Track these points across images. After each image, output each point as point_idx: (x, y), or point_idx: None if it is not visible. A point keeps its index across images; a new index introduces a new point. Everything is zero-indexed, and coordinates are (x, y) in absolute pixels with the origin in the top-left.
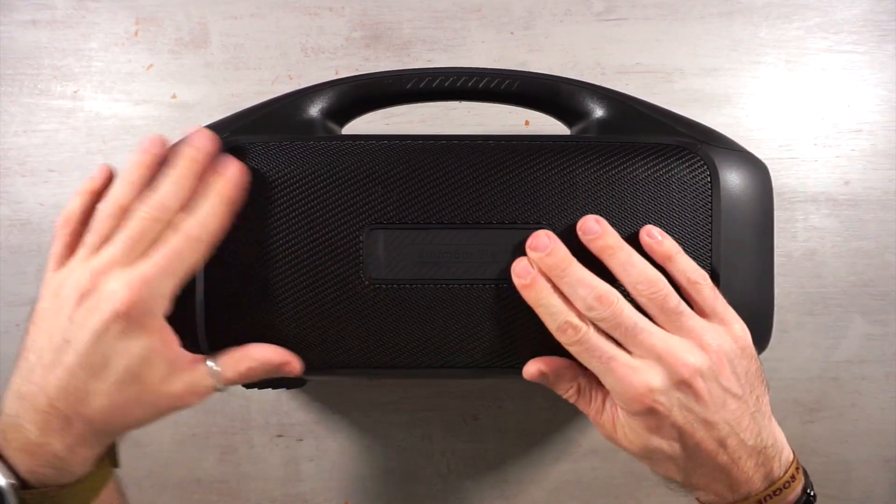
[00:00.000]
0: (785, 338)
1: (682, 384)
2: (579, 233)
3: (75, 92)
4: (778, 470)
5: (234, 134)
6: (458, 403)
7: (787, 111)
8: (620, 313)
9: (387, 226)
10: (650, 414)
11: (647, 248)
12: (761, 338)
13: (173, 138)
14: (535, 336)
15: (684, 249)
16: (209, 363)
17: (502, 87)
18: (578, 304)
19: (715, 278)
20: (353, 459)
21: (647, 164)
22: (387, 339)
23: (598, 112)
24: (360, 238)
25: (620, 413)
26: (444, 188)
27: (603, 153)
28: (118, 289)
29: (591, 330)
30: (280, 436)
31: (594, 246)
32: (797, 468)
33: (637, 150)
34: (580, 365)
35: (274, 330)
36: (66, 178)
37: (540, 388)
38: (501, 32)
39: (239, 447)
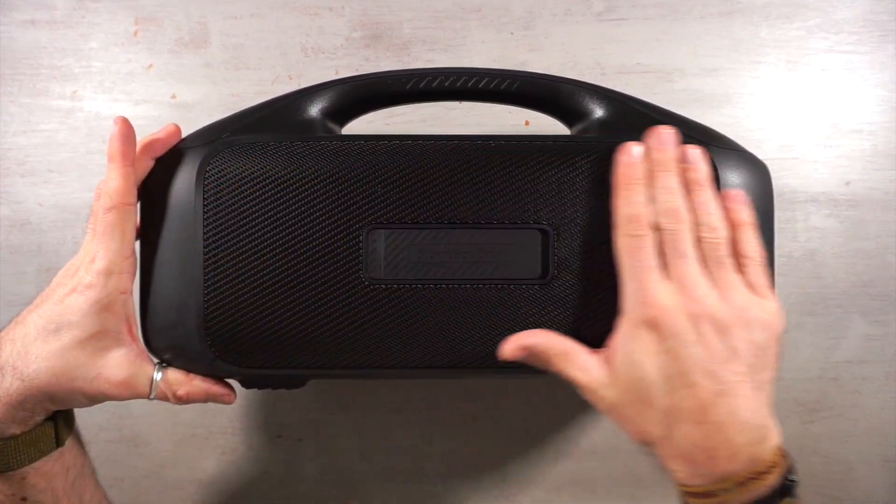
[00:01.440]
0: (785, 338)
1: (692, 318)
2: (667, 144)
3: (75, 92)
4: (764, 453)
5: (234, 134)
6: (458, 403)
7: (787, 111)
8: (682, 236)
9: (387, 226)
10: (653, 329)
11: (726, 204)
12: None
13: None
14: None
15: None
16: (155, 372)
17: (502, 87)
18: (656, 205)
19: None
20: (353, 459)
21: None
22: (387, 339)
23: (598, 112)
24: (360, 238)
25: (617, 338)
26: (444, 188)
27: (603, 153)
28: (97, 268)
29: (651, 235)
30: (280, 436)
31: (689, 170)
32: (782, 455)
33: None
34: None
35: (274, 330)
36: (66, 178)
37: (540, 388)
38: (501, 32)
39: (239, 447)
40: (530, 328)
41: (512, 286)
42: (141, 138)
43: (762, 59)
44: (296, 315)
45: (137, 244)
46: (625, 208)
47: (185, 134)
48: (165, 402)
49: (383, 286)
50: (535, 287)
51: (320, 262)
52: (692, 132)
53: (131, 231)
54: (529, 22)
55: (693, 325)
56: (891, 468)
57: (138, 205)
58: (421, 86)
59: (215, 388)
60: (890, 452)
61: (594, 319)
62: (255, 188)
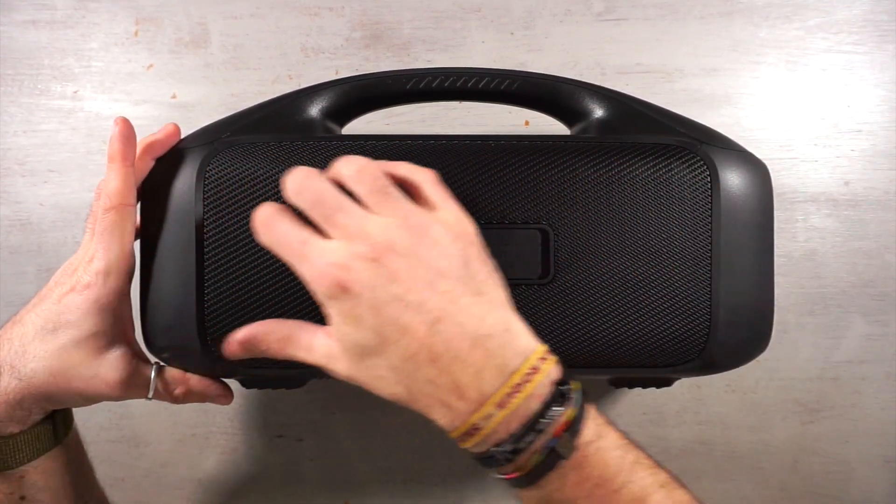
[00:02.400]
0: (785, 338)
1: (374, 260)
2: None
3: (75, 92)
4: (514, 360)
5: (234, 134)
6: None
7: (787, 111)
8: (325, 195)
9: None
10: (343, 293)
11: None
12: (761, 338)
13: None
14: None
15: (684, 250)
16: (153, 372)
17: (502, 87)
18: (285, 191)
19: (715, 278)
20: (353, 459)
21: (647, 164)
22: None
23: (598, 112)
24: None
25: (328, 322)
26: None
27: (603, 153)
28: (96, 268)
29: (286, 217)
30: (280, 436)
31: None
32: (542, 358)
33: (637, 150)
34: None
35: None
36: (66, 178)
37: None
38: (501, 32)
39: (239, 447)
40: (530, 328)
41: (512, 286)
42: (141, 138)
43: (762, 59)
44: (295, 315)
45: (136, 244)
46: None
47: (185, 134)
48: (165, 402)
49: None
50: (535, 287)
51: None
52: (692, 132)
53: (131, 231)
54: (529, 22)
55: (376, 266)
56: (891, 468)
57: (138, 205)
58: (421, 86)
59: (213, 388)
60: (890, 452)
61: (594, 319)
62: (255, 188)
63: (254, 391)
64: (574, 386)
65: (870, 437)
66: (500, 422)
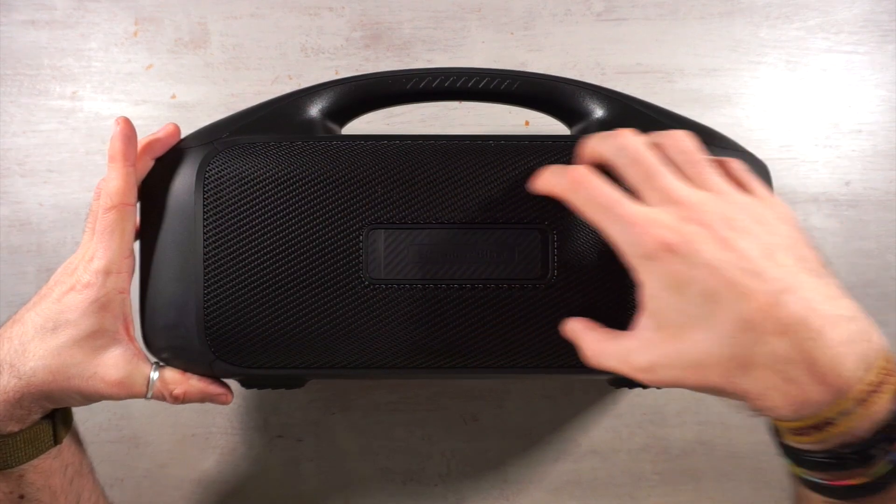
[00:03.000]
0: None
1: (704, 225)
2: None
3: (75, 92)
4: (873, 352)
5: (234, 134)
6: (458, 403)
7: (787, 111)
8: (644, 157)
9: (387, 226)
10: (669, 254)
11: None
12: None
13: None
14: (535, 335)
15: None
16: (152, 372)
17: (502, 88)
18: (606, 149)
19: None
20: (353, 459)
21: None
22: (387, 339)
23: (598, 112)
24: (360, 238)
25: (639, 294)
26: (444, 188)
27: None
28: (96, 267)
29: (602, 178)
30: (280, 436)
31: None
32: (891, 359)
33: None
34: None
35: (274, 330)
36: (66, 179)
37: (540, 388)
38: (501, 32)
39: (239, 447)
40: (530, 328)
41: (512, 286)
42: (140, 138)
43: (762, 59)
44: (295, 315)
45: (136, 244)
46: (560, 178)
47: (185, 134)
48: (165, 403)
49: (383, 286)
50: (535, 287)
51: (320, 262)
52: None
53: (131, 231)
54: (529, 22)
55: (707, 231)
56: None
57: (138, 205)
58: (421, 86)
59: (212, 388)
60: None
61: (594, 319)
62: (255, 188)
63: (254, 391)
64: None
65: None
66: (858, 420)
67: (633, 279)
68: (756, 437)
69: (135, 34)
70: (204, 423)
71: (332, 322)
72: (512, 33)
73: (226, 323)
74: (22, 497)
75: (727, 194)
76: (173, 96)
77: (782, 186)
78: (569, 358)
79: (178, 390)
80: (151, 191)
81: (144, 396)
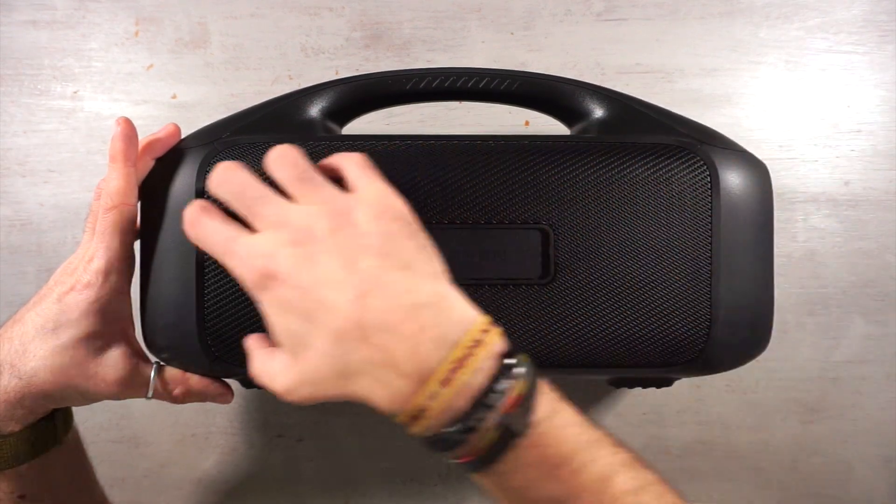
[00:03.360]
0: (785, 338)
1: (296, 245)
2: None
3: (75, 92)
4: (453, 332)
5: (234, 134)
6: None
7: (787, 111)
8: (247, 187)
9: None
10: (270, 281)
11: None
12: (761, 338)
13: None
14: (535, 335)
15: (684, 250)
16: (152, 372)
17: (502, 87)
18: (208, 184)
19: (715, 278)
20: (353, 459)
21: (647, 164)
22: None
23: (598, 112)
24: None
25: (264, 317)
26: (443, 188)
27: (603, 153)
28: (96, 267)
29: (213, 215)
30: (280, 436)
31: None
32: (484, 330)
33: (637, 150)
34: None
35: None
36: (66, 179)
37: None
38: (501, 32)
39: (239, 447)
40: (530, 328)
41: (512, 286)
42: (141, 138)
43: (762, 59)
44: None
45: (136, 244)
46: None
47: (185, 134)
48: (165, 402)
49: None
50: (535, 287)
51: None
52: (692, 132)
53: (131, 231)
54: (529, 22)
55: (298, 251)
56: (891, 468)
57: (138, 205)
58: (421, 86)
59: (212, 388)
60: (890, 452)
61: (594, 319)
62: None
63: (254, 391)
64: (522, 358)
65: (869, 436)
66: (447, 400)
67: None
68: (756, 437)
69: (135, 34)
70: (204, 423)
71: None
72: (512, 33)
73: (226, 323)
74: (22, 497)
75: (328, 202)
76: (173, 96)
77: (782, 186)
78: (568, 358)
79: (178, 390)
80: (151, 191)
81: (145, 396)
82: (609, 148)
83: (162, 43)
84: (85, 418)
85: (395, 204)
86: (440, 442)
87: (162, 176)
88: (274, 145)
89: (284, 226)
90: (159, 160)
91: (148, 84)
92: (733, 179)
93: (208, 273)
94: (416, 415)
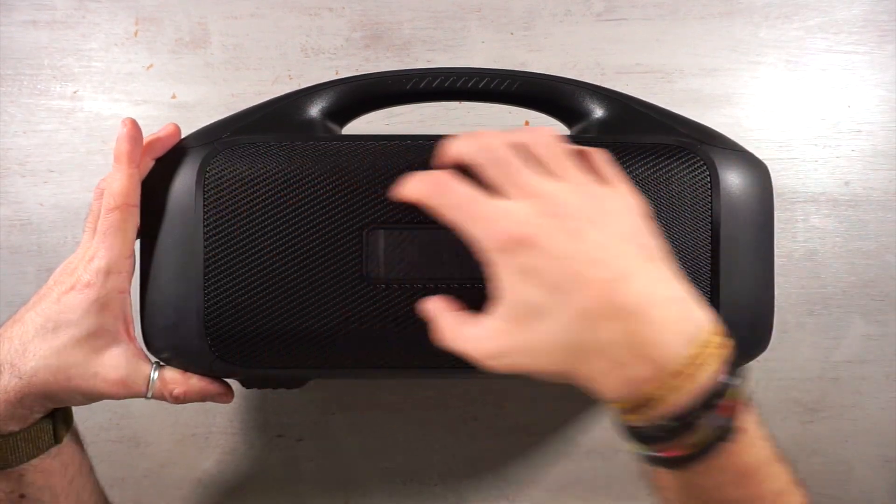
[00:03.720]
0: (785, 338)
1: (555, 217)
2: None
3: (75, 92)
4: (695, 330)
5: (234, 134)
6: (458, 403)
7: (787, 111)
8: (503, 153)
9: (387, 226)
10: (520, 246)
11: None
12: (761, 338)
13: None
14: None
15: (684, 249)
16: (152, 372)
17: (502, 88)
18: (467, 150)
19: (715, 278)
20: (353, 459)
21: (647, 164)
22: (387, 339)
23: (598, 112)
24: (360, 238)
25: (494, 285)
26: None
27: None
28: (96, 267)
29: (461, 179)
30: (280, 436)
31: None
32: (715, 333)
33: (637, 150)
34: None
35: (274, 330)
36: (66, 179)
37: (540, 389)
38: (501, 32)
39: (239, 447)
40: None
41: None
42: None
43: (762, 59)
44: (296, 315)
45: (137, 244)
46: (416, 186)
47: (185, 134)
48: (165, 402)
49: (383, 286)
50: None
51: (320, 262)
52: (692, 132)
53: (133, 231)
54: (529, 22)
55: (557, 223)
56: (891, 468)
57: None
58: (421, 86)
59: (213, 388)
60: (890, 452)
61: None
62: (255, 188)
63: (254, 391)
64: (743, 367)
65: (869, 436)
66: (680, 394)
67: (488, 272)
68: None
69: (135, 34)
70: (204, 423)
71: (332, 322)
72: (512, 33)
73: (226, 323)
74: (22, 496)
75: (584, 186)
76: (173, 96)
77: (782, 186)
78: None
79: (178, 390)
80: (152, 191)
81: (145, 396)
82: (609, 148)
83: (162, 43)
84: (85, 418)
85: (642, 204)
86: (652, 433)
87: (162, 176)
88: (273, 145)
89: (542, 197)
90: (159, 160)
91: (148, 84)
92: (733, 179)
93: (208, 273)
94: (644, 403)
